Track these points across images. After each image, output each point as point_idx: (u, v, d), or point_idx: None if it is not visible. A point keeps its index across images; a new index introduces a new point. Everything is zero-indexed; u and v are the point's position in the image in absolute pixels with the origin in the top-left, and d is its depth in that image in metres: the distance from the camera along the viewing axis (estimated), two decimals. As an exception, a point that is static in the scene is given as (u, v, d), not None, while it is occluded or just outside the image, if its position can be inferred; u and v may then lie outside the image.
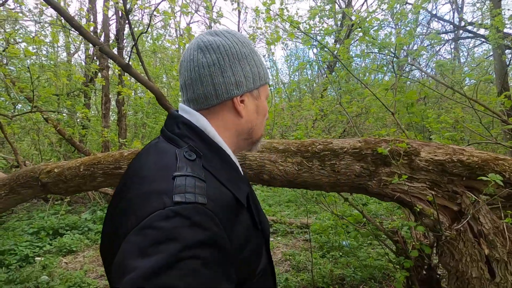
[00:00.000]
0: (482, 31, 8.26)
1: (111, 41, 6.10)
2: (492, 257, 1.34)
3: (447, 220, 1.44)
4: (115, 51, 6.17)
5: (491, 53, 7.40)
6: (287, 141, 1.93)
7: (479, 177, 1.30)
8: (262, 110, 0.73)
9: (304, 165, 1.78)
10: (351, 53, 6.46)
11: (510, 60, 5.48)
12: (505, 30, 5.73)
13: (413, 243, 1.96)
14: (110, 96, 6.76)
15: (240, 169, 0.71)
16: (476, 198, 1.36)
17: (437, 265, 1.79)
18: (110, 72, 6.86)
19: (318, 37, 5.73)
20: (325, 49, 3.47)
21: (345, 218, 2.18)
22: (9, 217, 4.83)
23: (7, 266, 3.19)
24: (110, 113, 7.05)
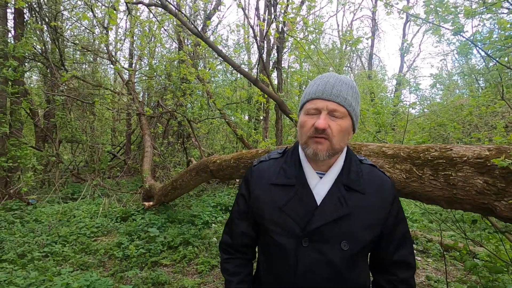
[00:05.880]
0: None
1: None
2: None
3: None
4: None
5: None
6: (398, 146, 1.75)
7: None
8: (299, 123, 0.90)
9: (414, 174, 1.58)
10: None
11: None
12: None
13: None
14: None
15: (308, 172, 0.89)
16: None
17: None
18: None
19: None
20: None
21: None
22: (204, 192, 6.78)
23: (195, 225, 4.57)
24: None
